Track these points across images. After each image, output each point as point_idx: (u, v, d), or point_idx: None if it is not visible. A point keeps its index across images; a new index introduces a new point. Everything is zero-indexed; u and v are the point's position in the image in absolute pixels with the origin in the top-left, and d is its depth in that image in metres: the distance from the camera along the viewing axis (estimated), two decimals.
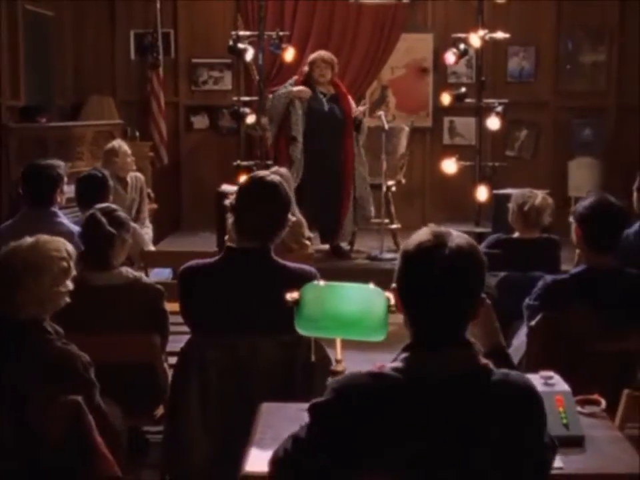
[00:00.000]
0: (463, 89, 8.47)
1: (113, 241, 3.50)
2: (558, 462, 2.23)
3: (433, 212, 9.60)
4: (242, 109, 8.29)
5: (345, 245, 7.99)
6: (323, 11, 9.02)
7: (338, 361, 2.52)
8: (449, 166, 8.45)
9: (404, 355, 2.01)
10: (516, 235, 5.13)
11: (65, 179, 4.78)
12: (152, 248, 5.51)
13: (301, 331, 2.48)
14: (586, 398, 2.68)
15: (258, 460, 2.24)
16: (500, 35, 8.39)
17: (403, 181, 8.42)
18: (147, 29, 9.39)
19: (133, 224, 5.59)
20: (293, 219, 3.50)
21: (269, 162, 7.94)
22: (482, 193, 8.28)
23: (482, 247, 5.19)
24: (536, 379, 2.53)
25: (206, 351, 3.30)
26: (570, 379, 3.34)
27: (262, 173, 3.49)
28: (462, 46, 8.29)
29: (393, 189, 8.22)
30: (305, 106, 7.57)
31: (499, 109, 8.37)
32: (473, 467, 1.93)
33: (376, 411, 1.93)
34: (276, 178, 3.43)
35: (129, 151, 6.95)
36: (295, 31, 9.24)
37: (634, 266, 4.41)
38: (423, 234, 2.02)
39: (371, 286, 2.54)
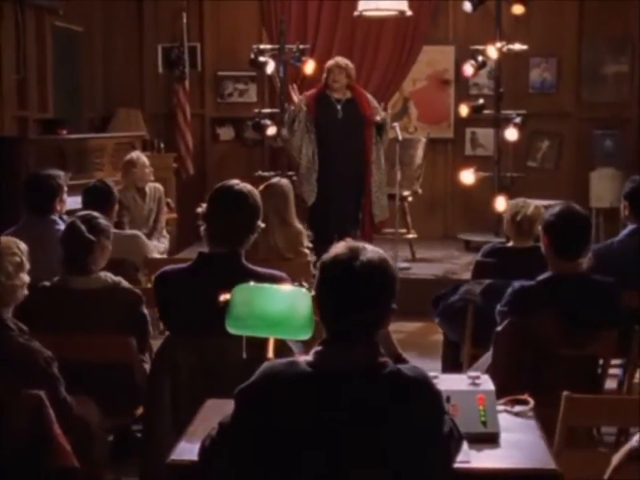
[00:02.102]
0: (481, 101, 8.55)
1: (92, 248, 3.67)
2: (466, 456, 2.34)
3: (454, 222, 9.69)
4: (263, 121, 8.49)
5: None
6: (345, 25, 9.16)
7: (269, 360, 2.65)
8: (467, 177, 8.53)
9: (316, 349, 2.16)
10: (510, 244, 5.21)
11: (65, 189, 4.99)
12: (157, 255, 5.68)
13: (231, 330, 2.63)
14: (516, 398, 2.77)
15: (184, 449, 2.38)
16: (518, 46, 8.46)
17: (420, 191, 8.51)
18: (174, 43, 9.62)
19: (136, 232, 5.85)
20: (262, 225, 3.63)
21: (291, 172, 8.11)
22: (500, 204, 8.33)
23: (478, 256, 5.34)
24: (463, 379, 2.64)
25: (177, 352, 3.46)
26: (536, 383, 3.45)
27: (231, 182, 3.64)
28: (480, 58, 8.38)
29: (410, 199, 8.33)
30: (314, 125, 7.65)
31: (517, 120, 8.43)
32: (371, 453, 2.08)
33: (287, 395, 2.12)
34: (246, 186, 3.58)
35: (148, 163, 7.14)
36: (317, 45, 9.42)
37: (618, 273, 4.50)
38: (340, 247, 2.21)
39: (296, 287, 2.66)
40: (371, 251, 2.19)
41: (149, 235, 7.02)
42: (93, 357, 3.57)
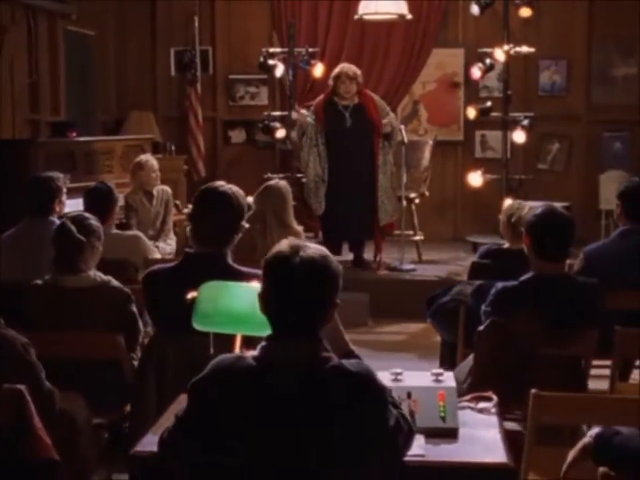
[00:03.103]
0: (489, 103, 8.60)
1: (82, 248, 3.76)
2: (422, 449, 2.40)
3: (464, 224, 9.73)
4: (272, 124, 8.57)
5: (368, 257, 8.16)
6: (355, 28, 9.21)
7: None
8: (475, 179, 8.58)
9: (261, 344, 2.23)
10: (506, 245, 5.25)
11: (64, 190, 5.09)
12: (157, 256, 5.77)
13: (198, 326, 2.70)
14: (481, 395, 2.82)
15: (148, 442, 2.46)
16: (525, 49, 8.50)
17: (427, 193, 8.56)
18: (186, 47, 9.73)
19: (137, 232, 5.94)
20: (246, 225, 3.70)
21: (300, 175, 8.20)
22: None
23: (475, 257, 5.38)
24: (427, 376, 2.70)
25: (163, 349, 3.54)
26: (517, 383, 3.50)
27: (216, 183, 3.71)
28: (487, 61, 8.42)
29: (417, 201, 8.38)
30: (322, 132, 7.74)
31: (525, 122, 8.47)
32: (314, 447, 2.14)
33: (232, 389, 2.19)
34: (230, 188, 3.65)
35: (156, 165, 7.24)
36: (327, 48, 9.49)
37: (608, 274, 4.53)
38: (282, 244, 2.29)
39: (256, 285, 2.73)
40: (312, 248, 2.26)
41: (156, 237, 7.13)
42: (81, 355, 3.66)
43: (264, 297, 2.27)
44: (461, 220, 9.84)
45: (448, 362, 5.14)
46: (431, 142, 8.66)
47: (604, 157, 9.36)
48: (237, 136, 10.08)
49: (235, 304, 2.64)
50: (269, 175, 8.60)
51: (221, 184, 3.69)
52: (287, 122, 8.60)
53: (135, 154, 7.66)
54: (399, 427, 2.25)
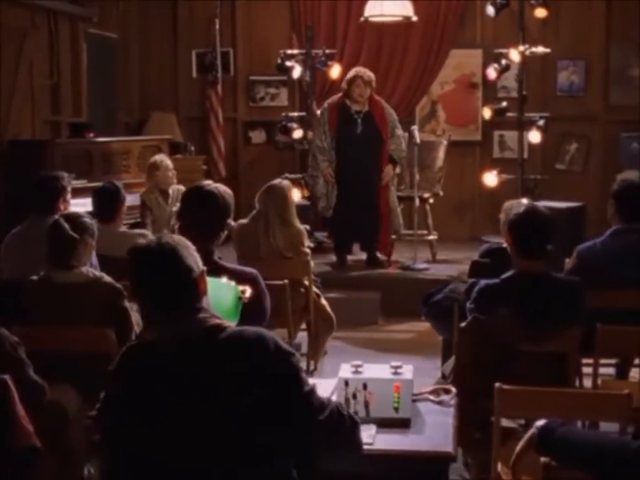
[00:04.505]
0: (504, 104, 8.65)
1: (75, 245, 3.89)
2: (370, 438, 2.48)
3: (482, 224, 9.75)
4: (289, 124, 8.69)
5: (381, 255, 8.24)
6: (373, 29, 9.29)
7: None
8: (490, 179, 8.63)
9: (147, 326, 2.45)
10: (506, 244, 5.30)
11: (69, 189, 5.24)
12: None
13: None
14: (442, 387, 2.90)
15: None
16: (541, 49, 8.53)
17: (441, 193, 8.61)
18: (207, 49, 9.88)
19: (143, 231, 6.06)
20: (232, 223, 3.81)
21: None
22: None
23: (476, 256, 5.45)
24: (386, 368, 2.79)
25: None
26: (499, 379, 3.57)
27: (204, 182, 3.82)
28: (503, 61, 8.47)
29: (431, 200, 8.44)
30: (333, 137, 7.81)
31: (541, 122, 8.50)
32: (220, 416, 2.23)
33: (138, 370, 2.35)
34: (217, 187, 3.76)
35: (171, 165, 7.38)
36: (346, 49, 9.58)
37: (599, 273, 4.58)
38: (150, 237, 2.52)
39: (224, 280, 2.83)
40: (173, 238, 2.44)
41: None
42: (73, 348, 3.78)
43: (134, 286, 2.44)
44: (478, 220, 9.87)
45: (448, 359, 5.22)
46: (445, 142, 8.72)
47: (621, 157, 9.34)
48: (257, 136, 10.21)
49: (212, 299, 2.71)
50: (287, 175, 8.73)
51: (207, 183, 3.80)
52: (304, 122, 8.72)
53: (152, 154, 7.80)
54: (312, 394, 2.31)
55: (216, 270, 3.69)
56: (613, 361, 5.05)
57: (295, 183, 8.65)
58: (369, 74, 7.83)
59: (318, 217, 8.09)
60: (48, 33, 8.08)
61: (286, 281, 4.96)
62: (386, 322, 7.50)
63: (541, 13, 8.47)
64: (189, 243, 2.49)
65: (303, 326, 5.87)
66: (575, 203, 8.15)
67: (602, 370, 4.98)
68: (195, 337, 2.33)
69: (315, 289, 5.73)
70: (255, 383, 2.25)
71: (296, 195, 8.40)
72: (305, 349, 6.00)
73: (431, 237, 8.44)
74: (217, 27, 9.77)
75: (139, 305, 2.49)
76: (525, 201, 8.39)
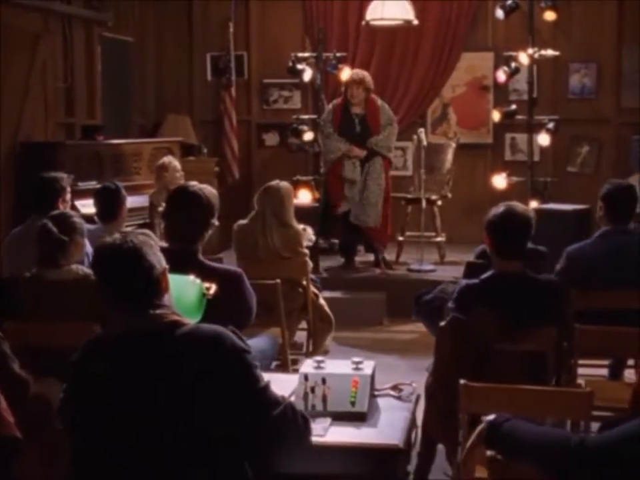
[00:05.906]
0: (513, 106, 8.68)
1: (64, 246, 4.00)
2: (322, 431, 2.56)
3: None
4: (300, 127, 8.77)
5: (388, 257, 8.30)
6: (385, 32, 9.34)
7: None
8: (499, 181, 8.66)
9: (110, 320, 2.57)
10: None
11: (68, 190, 5.36)
12: None
13: None
14: (403, 383, 2.97)
15: None
16: (550, 52, 8.55)
17: (449, 195, 8.66)
18: (222, 52, 9.99)
19: (145, 230, 6.16)
20: (216, 223, 3.90)
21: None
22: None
23: (472, 258, 5.51)
24: (347, 364, 2.86)
25: None
26: (477, 378, 3.64)
27: (189, 183, 3.92)
28: (513, 64, 8.50)
29: (439, 202, 8.50)
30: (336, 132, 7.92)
31: (551, 125, 8.52)
32: (177, 411, 2.32)
33: (99, 363, 2.45)
34: (201, 188, 3.85)
35: (179, 166, 7.50)
36: (358, 52, 9.65)
37: (588, 274, 4.63)
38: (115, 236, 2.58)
39: (190, 277, 2.92)
40: (139, 236, 2.56)
41: None
42: (59, 342, 3.88)
43: (100, 281, 2.54)
44: None
45: None
46: (453, 144, 8.77)
47: (633, 160, 9.33)
48: (271, 139, 10.31)
49: (176, 294, 2.79)
50: (298, 177, 8.83)
51: (192, 184, 3.90)
52: (315, 125, 8.80)
53: (163, 156, 7.91)
54: (267, 391, 2.38)
55: (201, 269, 3.79)
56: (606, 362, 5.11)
57: (306, 184, 8.76)
58: (361, 74, 7.93)
59: (324, 219, 8.12)
60: (62, 37, 8.22)
61: (278, 281, 5.03)
62: (391, 322, 7.58)
63: (550, 16, 8.50)
64: (153, 242, 2.58)
65: (303, 325, 5.95)
66: (581, 205, 8.16)
67: (600, 371, 5.06)
68: (152, 332, 2.43)
69: (313, 288, 5.81)
70: (208, 379, 2.33)
71: (306, 197, 8.55)
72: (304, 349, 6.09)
73: (439, 239, 8.49)
74: (231, 30, 9.88)
75: (104, 301, 2.59)
76: (534, 204, 8.51)
